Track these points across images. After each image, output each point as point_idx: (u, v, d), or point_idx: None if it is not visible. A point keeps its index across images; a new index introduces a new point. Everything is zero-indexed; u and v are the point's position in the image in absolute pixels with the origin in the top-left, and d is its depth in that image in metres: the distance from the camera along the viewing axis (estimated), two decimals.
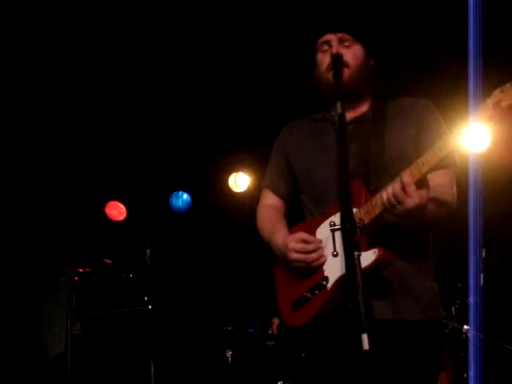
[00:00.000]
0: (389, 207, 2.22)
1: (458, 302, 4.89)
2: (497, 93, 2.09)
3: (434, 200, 2.32)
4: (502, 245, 5.39)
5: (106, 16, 4.72)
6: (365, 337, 1.79)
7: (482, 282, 4.98)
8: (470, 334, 4.57)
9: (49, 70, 5.34)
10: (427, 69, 5.17)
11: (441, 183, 2.41)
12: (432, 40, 4.95)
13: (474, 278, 4.89)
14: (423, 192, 2.20)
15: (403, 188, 2.16)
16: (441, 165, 2.24)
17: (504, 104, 2.08)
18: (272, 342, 5.50)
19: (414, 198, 2.16)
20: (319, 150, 2.62)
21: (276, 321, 5.51)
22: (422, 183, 2.21)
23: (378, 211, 2.27)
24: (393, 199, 2.19)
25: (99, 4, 4.55)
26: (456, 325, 4.68)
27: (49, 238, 6.64)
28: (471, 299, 4.85)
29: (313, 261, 2.41)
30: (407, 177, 2.17)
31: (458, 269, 5.11)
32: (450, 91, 4.81)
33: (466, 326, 4.63)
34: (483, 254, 5.03)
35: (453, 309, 4.86)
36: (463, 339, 4.61)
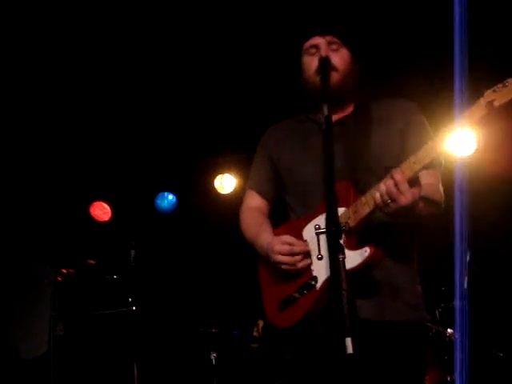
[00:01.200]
0: (382, 205, 2.22)
1: (442, 305, 4.91)
2: (489, 92, 2.10)
3: (424, 198, 2.33)
4: (487, 248, 5.43)
5: (104, 16, 4.68)
6: (349, 340, 1.78)
7: (465, 285, 5.00)
8: (455, 337, 4.59)
9: (36, 71, 5.29)
10: (413, 71, 5.19)
11: (430, 182, 2.43)
12: (416, 42, 4.97)
13: (460, 282, 4.91)
14: (415, 190, 2.21)
15: (396, 185, 2.16)
16: (429, 165, 2.25)
17: (497, 103, 2.09)
18: (256, 345, 5.49)
19: (407, 196, 2.16)
20: (304, 150, 2.62)
21: (260, 323, 5.50)
22: (413, 181, 2.22)
23: (367, 210, 2.28)
24: (386, 197, 2.18)
25: (99, 4, 4.51)
26: (440, 328, 4.69)
27: (32, 237, 6.58)
28: (456, 303, 4.87)
29: (298, 263, 2.40)
30: (399, 175, 2.18)
31: (442, 272, 5.12)
32: (436, 92, 4.84)
33: (449, 330, 4.64)
34: (468, 257, 5.05)
35: (437, 312, 4.88)
36: (447, 342, 4.63)
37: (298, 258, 2.40)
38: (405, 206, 2.17)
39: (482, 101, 2.10)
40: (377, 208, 2.25)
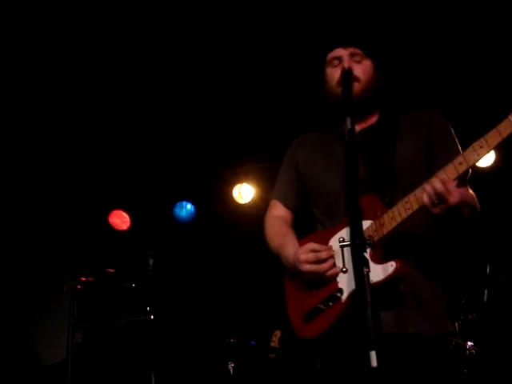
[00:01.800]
0: (430, 206, 2.17)
1: (462, 317, 4.87)
2: None
3: (466, 202, 2.31)
4: (506, 261, 5.39)
5: (108, 20, 4.71)
6: (373, 354, 1.77)
7: (485, 297, 4.96)
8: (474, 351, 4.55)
9: (52, 78, 5.33)
10: (440, 82, 5.18)
11: (464, 188, 2.40)
12: (443, 53, 4.96)
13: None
14: (463, 190, 2.19)
15: (444, 184, 2.13)
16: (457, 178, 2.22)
17: None
18: (274, 355, 5.48)
19: (455, 195, 2.13)
20: (329, 161, 2.62)
21: (278, 333, 5.49)
22: (459, 182, 2.19)
23: (394, 224, 2.26)
24: (434, 197, 2.15)
25: (100, 4, 4.53)
26: (460, 341, 4.65)
27: (52, 246, 6.63)
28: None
29: (326, 270, 2.38)
30: (444, 175, 2.15)
31: (462, 285, 5.09)
32: (463, 103, 4.82)
33: (469, 343, 4.60)
34: (487, 270, 5.02)
35: (456, 325, 4.84)
36: (467, 355, 4.59)
37: (325, 265, 2.38)
38: (453, 205, 2.14)
39: (511, 117, 2.05)
40: (406, 219, 2.23)
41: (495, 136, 2.09)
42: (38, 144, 6.12)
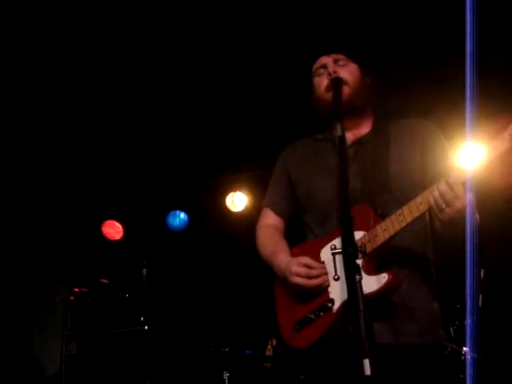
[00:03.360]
0: (437, 210, 2.17)
1: (457, 323, 4.86)
2: None
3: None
4: (499, 265, 5.39)
5: (108, 21, 4.70)
6: (366, 362, 1.76)
7: (480, 302, 4.94)
8: (468, 356, 4.53)
9: (42, 89, 5.33)
10: (429, 87, 5.18)
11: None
12: (431, 58, 4.97)
13: (471, 299, 4.86)
14: (470, 196, 2.16)
15: (452, 189, 2.12)
16: None
17: None
18: (269, 364, 5.45)
19: (462, 200, 2.12)
20: (322, 170, 2.61)
21: (273, 342, 5.47)
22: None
23: (387, 236, 2.25)
24: (441, 201, 2.13)
25: (100, 4, 4.51)
26: (455, 346, 4.63)
27: (45, 256, 6.60)
28: (468, 320, 4.82)
29: (314, 287, 2.38)
30: (454, 178, 2.13)
31: (457, 290, 5.08)
32: (454, 108, 4.82)
33: (465, 348, 4.58)
34: (481, 274, 5.01)
35: (451, 330, 4.82)
36: (462, 361, 4.57)
37: (314, 281, 2.38)
38: (461, 209, 2.13)
39: (506, 134, 2.04)
40: (405, 226, 2.21)
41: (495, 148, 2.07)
42: (30, 154, 6.10)
